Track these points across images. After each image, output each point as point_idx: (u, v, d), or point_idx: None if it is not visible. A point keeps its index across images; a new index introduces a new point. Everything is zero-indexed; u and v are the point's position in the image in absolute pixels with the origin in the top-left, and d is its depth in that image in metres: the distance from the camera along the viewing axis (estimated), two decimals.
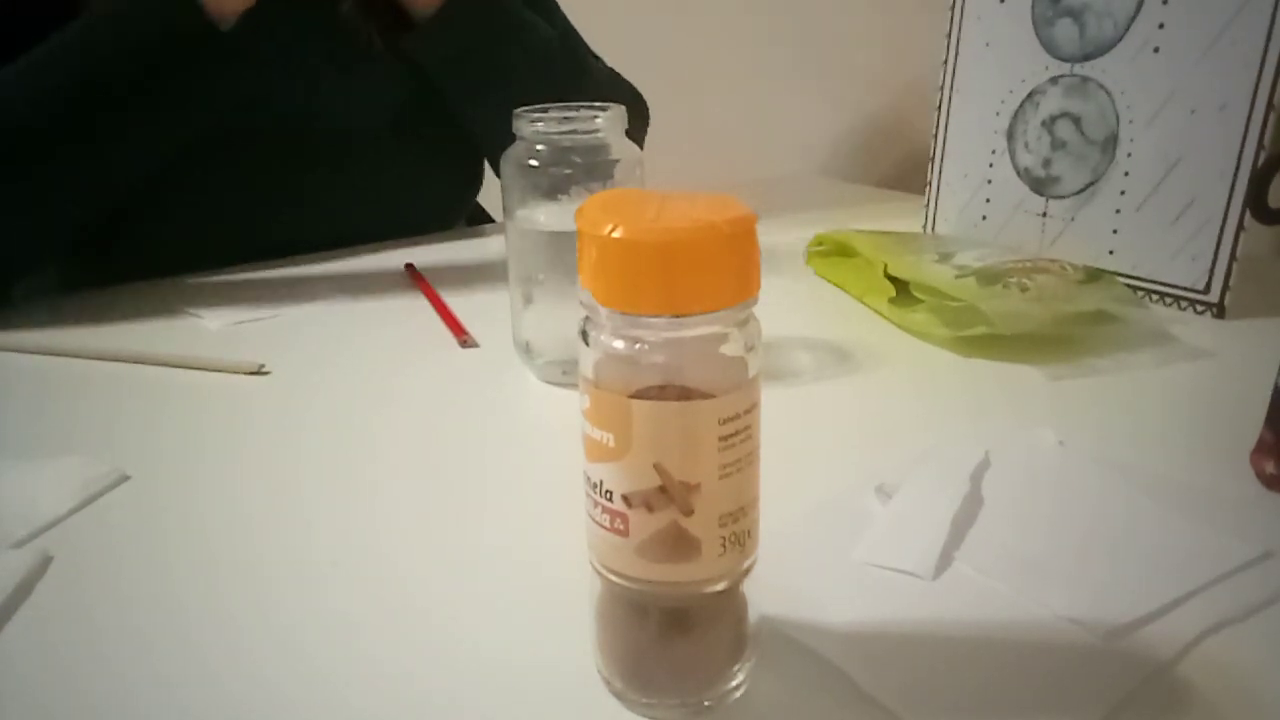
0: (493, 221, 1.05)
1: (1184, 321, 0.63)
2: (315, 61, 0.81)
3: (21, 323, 0.67)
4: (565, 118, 0.52)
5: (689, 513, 0.27)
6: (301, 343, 0.63)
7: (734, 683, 0.31)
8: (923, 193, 0.83)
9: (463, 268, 0.78)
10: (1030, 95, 0.73)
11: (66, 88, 0.67)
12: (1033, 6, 0.72)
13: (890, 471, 0.43)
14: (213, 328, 0.66)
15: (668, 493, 0.27)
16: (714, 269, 0.26)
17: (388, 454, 0.49)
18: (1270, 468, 0.42)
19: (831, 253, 0.74)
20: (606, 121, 0.52)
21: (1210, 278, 0.64)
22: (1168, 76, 0.64)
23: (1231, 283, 0.63)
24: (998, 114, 0.75)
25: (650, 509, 0.27)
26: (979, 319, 0.57)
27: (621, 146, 0.53)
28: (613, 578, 0.29)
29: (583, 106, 0.53)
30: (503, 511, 0.43)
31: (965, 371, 0.57)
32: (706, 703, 0.30)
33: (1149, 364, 0.57)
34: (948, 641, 0.33)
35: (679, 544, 0.28)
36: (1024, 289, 0.59)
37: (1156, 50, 0.65)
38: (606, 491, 0.28)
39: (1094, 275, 0.62)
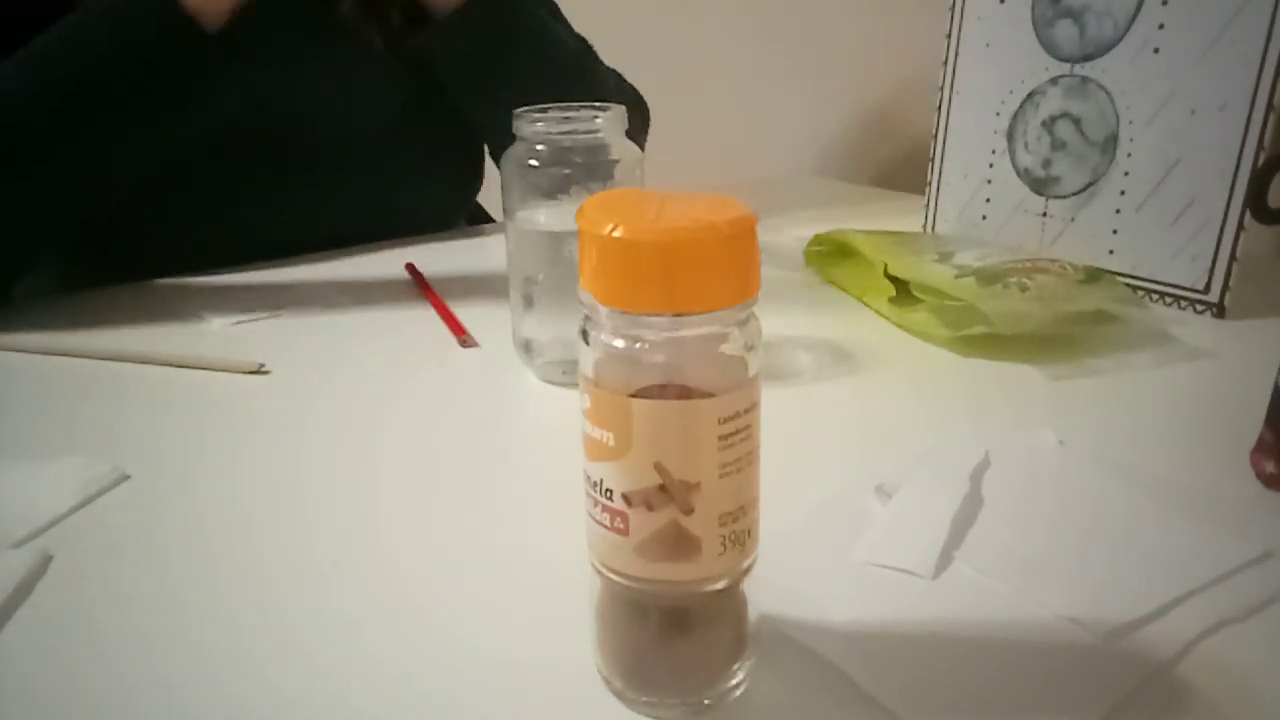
0: (493, 221, 1.05)
1: (1184, 321, 0.63)
2: (315, 62, 0.81)
3: (21, 322, 0.67)
4: (565, 118, 0.52)
5: (689, 512, 0.27)
6: (301, 342, 0.63)
7: (734, 682, 0.31)
8: (922, 192, 0.83)
9: (463, 267, 0.78)
10: (1030, 95, 0.73)
11: (64, 83, 0.66)
12: (1033, 7, 0.72)
13: (890, 471, 0.43)
14: (213, 327, 0.66)
15: (668, 492, 0.27)
16: (714, 269, 0.26)
17: (388, 454, 0.49)
18: (1270, 467, 0.42)
19: (831, 253, 0.74)
20: (606, 122, 0.52)
21: (1210, 278, 0.64)
22: (1168, 76, 0.65)
23: (1231, 283, 0.63)
24: (998, 114, 0.75)
25: (650, 508, 0.27)
26: (979, 319, 0.57)
27: (621, 147, 0.53)
28: (613, 577, 0.29)
29: (583, 106, 0.53)
30: (502, 511, 0.43)
31: (965, 371, 0.57)
32: (706, 702, 0.30)
33: (1149, 364, 0.57)
34: (948, 641, 0.33)
35: (679, 543, 0.28)
36: (1024, 289, 0.59)
37: (1156, 50, 0.65)
38: (606, 490, 0.28)
39: (1094, 275, 0.62)
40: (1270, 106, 0.60)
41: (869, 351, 0.60)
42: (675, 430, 0.27)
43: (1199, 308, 0.64)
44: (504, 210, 0.54)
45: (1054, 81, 0.71)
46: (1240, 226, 0.62)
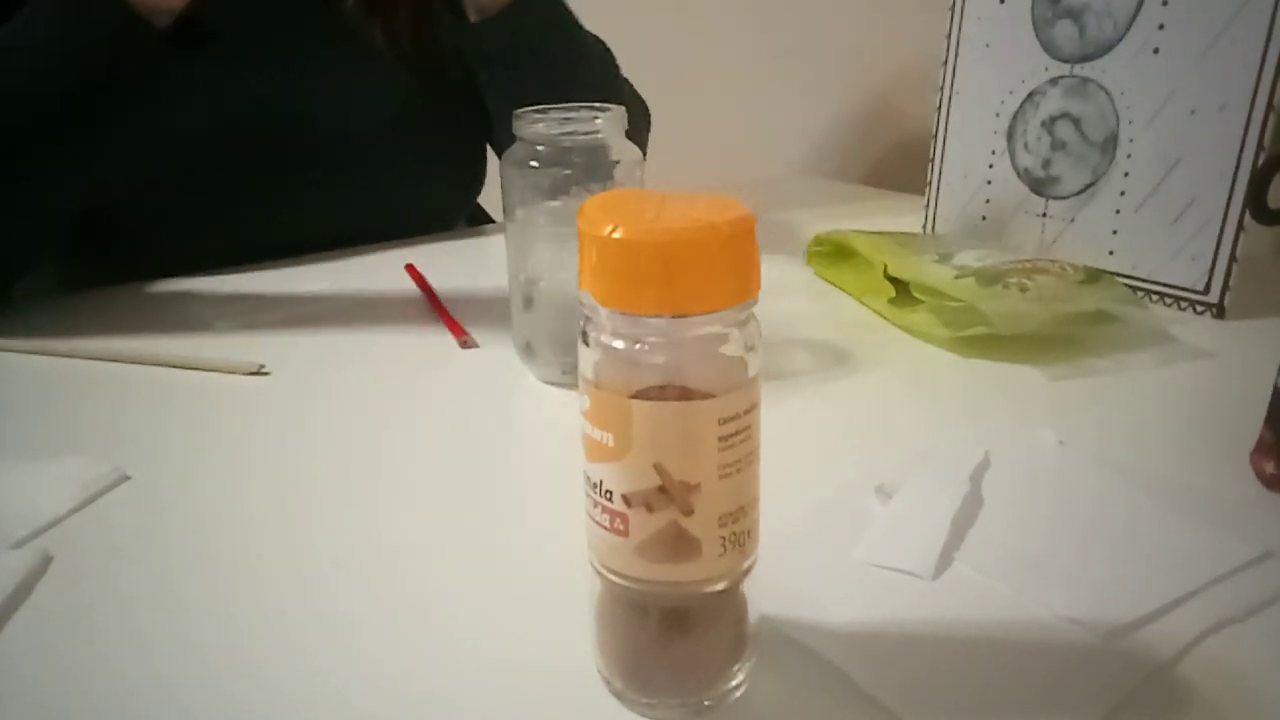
0: (493, 221, 1.05)
1: (1184, 321, 0.63)
2: (316, 62, 0.81)
3: (22, 322, 0.67)
4: (565, 118, 0.52)
5: (689, 513, 0.27)
6: (301, 343, 0.63)
7: (734, 683, 0.31)
8: (921, 192, 0.83)
9: (463, 268, 0.78)
10: (1030, 96, 0.73)
11: (35, 80, 0.65)
12: (1033, 7, 0.72)
13: (890, 471, 0.43)
14: (213, 328, 0.66)
15: (668, 493, 0.27)
16: (714, 269, 0.26)
17: (388, 454, 0.49)
18: (1270, 468, 0.42)
19: (831, 253, 0.74)
20: (606, 122, 0.52)
21: (1210, 278, 0.64)
22: (1168, 76, 0.65)
23: (1231, 283, 0.63)
24: (998, 114, 0.75)
25: (650, 509, 0.27)
26: (979, 319, 0.57)
27: (621, 147, 0.53)
28: (613, 578, 0.29)
29: (583, 107, 0.53)
30: (502, 512, 0.43)
31: (965, 371, 0.57)
32: (706, 702, 0.30)
33: (1149, 364, 0.57)
34: (948, 641, 0.33)
35: (679, 544, 0.28)
36: (1024, 289, 0.59)
37: (1156, 51, 0.65)
38: (606, 491, 0.28)
39: (1094, 275, 0.62)
40: (1270, 106, 0.60)
41: (869, 351, 0.60)
42: (675, 431, 0.27)
43: (1199, 308, 0.64)
44: (504, 210, 0.54)
45: (1054, 82, 0.71)
46: (1240, 227, 0.62)
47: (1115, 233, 0.69)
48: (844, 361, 0.59)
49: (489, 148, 0.94)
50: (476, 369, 0.59)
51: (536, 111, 0.52)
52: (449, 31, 0.81)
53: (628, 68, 0.92)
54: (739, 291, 0.27)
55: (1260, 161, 0.60)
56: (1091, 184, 0.70)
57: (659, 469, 0.27)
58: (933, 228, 0.82)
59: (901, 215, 0.87)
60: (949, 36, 0.78)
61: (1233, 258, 0.62)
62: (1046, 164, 0.72)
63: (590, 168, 0.52)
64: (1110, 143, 0.68)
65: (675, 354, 0.27)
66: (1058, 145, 0.72)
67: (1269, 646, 0.33)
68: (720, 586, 0.29)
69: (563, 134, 0.51)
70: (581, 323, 0.28)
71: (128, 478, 0.46)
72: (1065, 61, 0.70)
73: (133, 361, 0.60)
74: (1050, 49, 0.71)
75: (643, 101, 0.91)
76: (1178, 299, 0.66)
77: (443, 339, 0.63)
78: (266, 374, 0.58)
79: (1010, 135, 0.75)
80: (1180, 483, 0.43)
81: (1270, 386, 0.42)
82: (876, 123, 1.19)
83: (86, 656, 0.34)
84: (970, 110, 0.77)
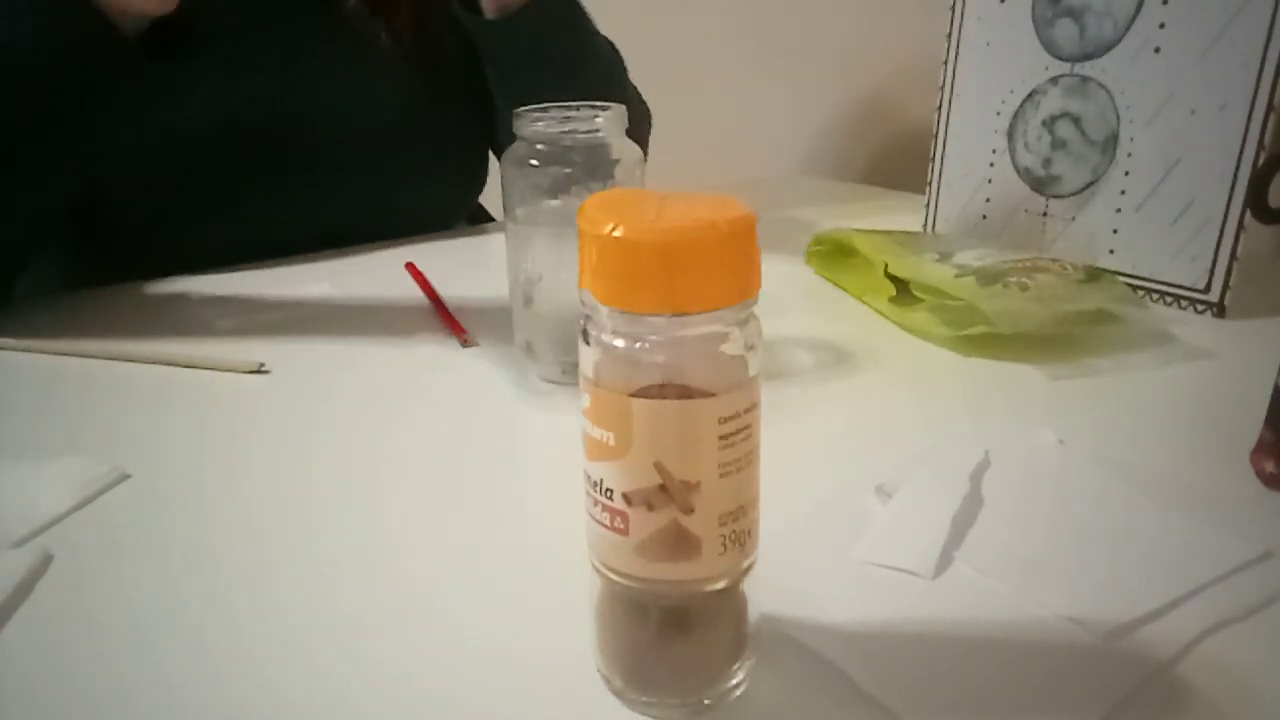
0: (493, 221, 1.05)
1: (1184, 321, 0.63)
2: (317, 62, 0.81)
3: (22, 322, 0.67)
4: (565, 117, 0.52)
5: (689, 511, 0.27)
6: (302, 342, 0.63)
7: (734, 682, 0.31)
8: (921, 191, 0.83)
9: (463, 267, 0.78)
10: (1030, 95, 0.73)
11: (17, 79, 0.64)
12: (1033, 6, 0.72)
13: (890, 471, 0.43)
14: (213, 327, 0.66)
15: (668, 491, 0.27)
16: (714, 268, 0.26)
17: (388, 453, 0.49)
18: (1270, 467, 0.42)
19: (831, 252, 0.74)
20: (606, 121, 0.52)
21: (1210, 278, 0.64)
22: (1168, 76, 0.65)
23: (1231, 283, 0.63)
24: (998, 114, 0.75)
25: (650, 508, 0.27)
26: (979, 318, 0.57)
27: (622, 146, 0.53)
28: (613, 577, 0.29)
29: (583, 106, 0.53)
30: (502, 511, 0.43)
31: (965, 371, 0.57)
32: (706, 702, 0.30)
33: (1149, 364, 0.57)
34: (948, 641, 0.33)
35: (679, 543, 0.28)
36: (1024, 289, 0.59)
37: (1156, 50, 0.65)
38: (607, 490, 0.28)
39: (1094, 275, 0.62)
40: (1270, 106, 0.60)
41: (869, 351, 0.60)
42: (675, 430, 0.27)
43: (1199, 308, 0.64)
44: (504, 210, 0.54)
45: (1054, 81, 0.71)
46: (1240, 226, 0.62)
47: (1115, 232, 0.69)
48: (844, 361, 0.59)
49: (489, 147, 0.94)
50: (477, 368, 0.59)
51: (537, 110, 0.52)
52: (468, 27, 0.81)
53: (628, 67, 0.92)
54: (739, 291, 0.27)
55: (1260, 161, 0.60)
56: (1092, 183, 0.70)
57: (659, 468, 0.27)
58: (933, 227, 0.82)
59: (901, 214, 0.87)
60: (949, 36, 0.78)
61: (1233, 257, 0.62)
62: (1047, 163, 0.72)
63: (590, 167, 0.52)
64: (1110, 142, 0.68)
65: (675, 353, 0.27)
66: (1058, 144, 0.72)
67: (1269, 646, 0.33)
68: (720, 586, 0.29)
69: (563, 133, 0.51)
70: (582, 321, 0.28)
71: (128, 477, 0.46)
72: (1066, 61, 0.70)
73: (133, 361, 0.60)
74: (1051, 48, 0.71)
75: (644, 103, 0.91)
76: (1178, 298, 0.66)
77: (443, 338, 0.63)
78: (266, 373, 0.58)
79: (1010, 134, 0.75)
80: (1180, 483, 0.43)
81: (1270, 386, 0.42)
82: (877, 122, 1.19)
83: (87, 656, 0.34)
84: (970, 109, 0.77)
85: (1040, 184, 0.73)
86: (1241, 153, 0.61)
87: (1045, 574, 0.36)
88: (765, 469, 0.29)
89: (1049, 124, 0.72)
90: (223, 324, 0.67)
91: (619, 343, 0.27)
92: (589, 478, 0.29)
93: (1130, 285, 0.65)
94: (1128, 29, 0.66)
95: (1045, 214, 0.73)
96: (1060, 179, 0.72)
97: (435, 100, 0.86)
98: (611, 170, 0.52)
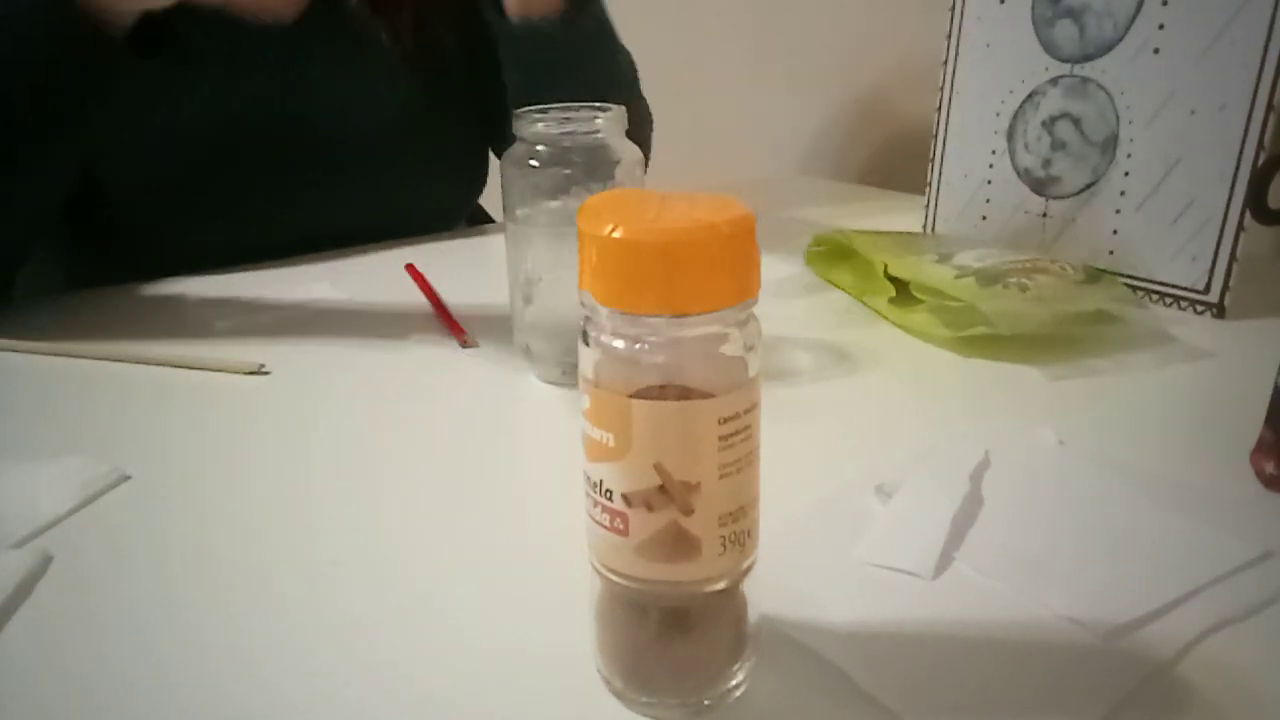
0: (493, 221, 1.05)
1: (1184, 321, 0.63)
2: (318, 61, 0.81)
3: (22, 322, 0.67)
4: (565, 118, 0.52)
5: (689, 512, 0.27)
6: (301, 343, 0.63)
7: (734, 682, 0.31)
8: (921, 191, 0.83)
9: (463, 267, 0.78)
10: (1030, 96, 0.73)
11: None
12: (1033, 7, 0.72)
13: (890, 471, 0.43)
14: (213, 327, 0.66)
15: (668, 492, 0.27)
16: (714, 269, 0.26)
17: (388, 454, 0.49)
18: (1270, 468, 0.42)
19: (831, 253, 0.74)
20: (606, 122, 0.52)
21: (1210, 278, 0.64)
22: (1168, 76, 0.65)
23: (1231, 283, 0.63)
24: (998, 114, 0.75)
25: (650, 508, 0.27)
26: (979, 319, 0.57)
27: (622, 147, 0.53)
28: (613, 577, 0.29)
29: (583, 106, 0.53)
30: (502, 511, 0.43)
31: (965, 371, 0.57)
32: (706, 702, 0.30)
33: (1149, 364, 0.57)
34: (948, 641, 0.33)
35: (679, 544, 0.28)
36: (1024, 289, 0.59)
37: (1156, 50, 0.65)
38: (606, 491, 0.28)
39: (1094, 275, 0.62)
40: (1270, 106, 0.60)
41: (869, 351, 0.60)
42: (675, 431, 0.27)
43: (1199, 308, 0.64)
44: (504, 210, 0.54)
45: (1054, 81, 0.71)
46: (1240, 226, 0.62)
47: (1115, 233, 0.69)
48: (844, 361, 0.59)
49: (490, 148, 0.94)
50: (477, 368, 0.59)
51: (537, 111, 0.52)
52: (500, 33, 0.80)
53: None
54: (739, 291, 0.27)
55: (1260, 161, 0.60)
56: (1092, 184, 0.70)
57: (659, 468, 0.27)
58: (933, 227, 0.82)
59: (901, 215, 0.87)
60: (949, 36, 0.78)
61: (1233, 258, 0.62)
62: (1047, 164, 0.72)
63: (590, 167, 0.52)
64: (1110, 143, 0.68)
65: (675, 354, 0.27)
66: (1058, 145, 0.72)
67: (1269, 646, 0.33)
68: (720, 586, 0.29)
69: (563, 134, 0.51)
70: (582, 322, 0.28)
71: (128, 477, 0.46)
72: (1065, 61, 0.70)
73: (133, 361, 0.60)
74: (1050, 49, 0.71)
75: (646, 107, 0.91)
76: (1178, 299, 0.66)
77: (443, 339, 0.63)
78: (266, 374, 0.58)
79: (1010, 135, 0.75)
80: (1180, 483, 0.43)
81: (1270, 386, 0.42)
82: (876, 123, 1.19)
83: (87, 656, 0.34)
84: (970, 110, 0.77)
85: (1040, 184, 0.73)
86: (1241, 153, 0.61)
87: (1045, 574, 0.36)
88: (765, 469, 0.29)
89: (1049, 124, 0.72)
90: (223, 324, 0.67)
91: (619, 343, 0.27)
92: (589, 479, 0.29)
93: (1130, 285, 0.65)
94: (1127, 29, 0.66)
95: (1045, 214, 0.73)
96: (1060, 179, 0.72)
97: (436, 100, 0.86)
98: (611, 171, 0.52)
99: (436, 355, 0.61)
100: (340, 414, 0.53)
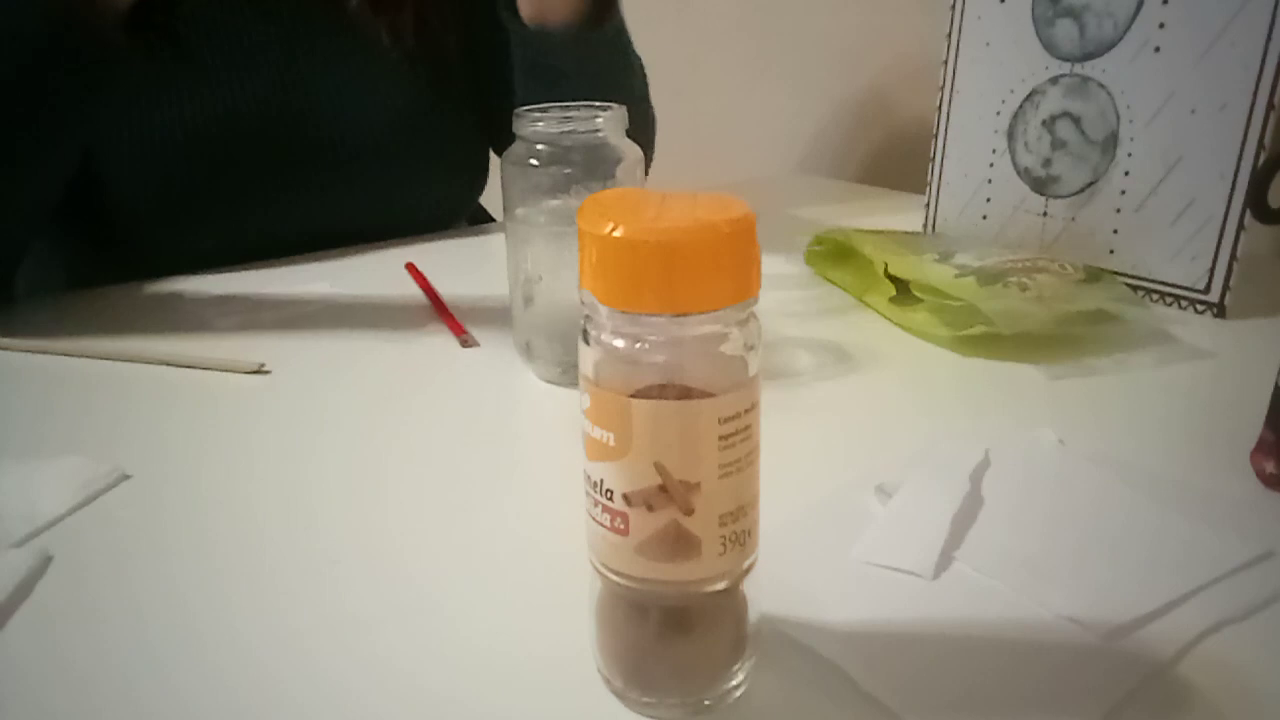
0: (493, 221, 1.05)
1: (1184, 321, 0.63)
2: (319, 60, 0.81)
3: (23, 322, 0.67)
4: (565, 118, 0.52)
5: (689, 512, 0.27)
6: (302, 342, 0.63)
7: (734, 682, 0.31)
8: (921, 190, 0.83)
9: (463, 267, 0.78)
10: (1030, 95, 0.73)
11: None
12: (1033, 6, 0.72)
13: (890, 471, 0.43)
14: (213, 327, 0.66)
15: (668, 492, 0.27)
16: (714, 268, 0.26)
17: (388, 453, 0.49)
18: (1270, 468, 0.42)
19: (831, 252, 0.74)
20: (607, 121, 0.52)
21: (1210, 278, 0.64)
22: (1168, 76, 0.65)
23: (1231, 283, 0.63)
24: (998, 114, 0.75)
25: (650, 508, 0.27)
26: (979, 318, 0.57)
27: (622, 146, 0.53)
28: (613, 577, 0.29)
29: (583, 106, 0.53)
30: (502, 511, 0.43)
31: (965, 371, 0.57)
32: (706, 702, 0.30)
33: (1149, 364, 0.57)
34: (947, 641, 0.33)
35: (679, 543, 0.28)
36: (1024, 289, 0.59)
37: (1157, 50, 0.65)
38: (607, 490, 0.28)
39: (1094, 275, 0.62)
40: (1270, 106, 0.60)
41: (869, 351, 0.60)
42: (675, 430, 0.27)
43: (1199, 308, 0.64)
44: (504, 210, 0.54)
45: (1054, 81, 0.71)
46: (1240, 226, 0.62)
47: (1115, 232, 0.69)
48: (844, 361, 0.59)
49: (491, 147, 0.94)
50: (477, 368, 0.59)
51: (536, 110, 0.52)
52: (519, 39, 0.79)
53: None
54: (739, 291, 0.27)
55: (1260, 161, 0.60)
56: (1092, 183, 0.70)
57: (659, 468, 0.27)
58: (933, 227, 0.82)
59: (901, 214, 0.87)
60: (949, 35, 0.78)
61: (1233, 257, 0.62)
62: (1047, 163, 0.72)
63: (590, 166, 0.52)
64: (1110, 142, 0.68)
65: (675, 353, 0.27)
66: (1058, 144, 0.72)
67: (1269, 646, 0.33)
68: (720, 586, 0.29)
69: (563, 133, 0.51)
70: (582, 321, 0.28)
71: (128, 477, 0.46)
72: (1066, 60, 0.70)
73: (133, 360, 0.60)
74: (1051, 48, 0.71)
75: (652, 113, 0.91)
76: (1178, 298, 0.66)
77: (443, 338, 0.63)
78: (267, 373, 0.58)
79: (1010, 134, 0.75)
80: (1180, 482, 0.43)
81: (1270, 386, 0.42)
82: (877, 122, 1.19)
83: (87, 656, 0.34)
84: (970, 109, 0.77)
85: (1040, 184, 0.73)
86: (1241, 153, 0.61)
87: (1045, 574, 0.36)
88: (765, 469, 0.29)
89: (1049, 124, 0.72)
90: (223, 324, 0.67)
91: (619, 343, 0.27)
92: (589, 478, 0.29)
93: (1130, 285, 0.65)
94: (1128, 29, 0.66)
95: (1045, 214, 0.73)
96: (1060, 179, 0.72)
97: (436, 100, 0.86)
98: (612, 170, 0.52)
99: (436, 354, 0.61)
100: (340, 413, 0.53)
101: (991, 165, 0.76)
